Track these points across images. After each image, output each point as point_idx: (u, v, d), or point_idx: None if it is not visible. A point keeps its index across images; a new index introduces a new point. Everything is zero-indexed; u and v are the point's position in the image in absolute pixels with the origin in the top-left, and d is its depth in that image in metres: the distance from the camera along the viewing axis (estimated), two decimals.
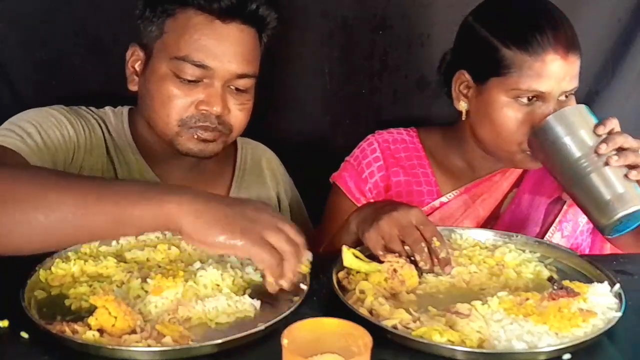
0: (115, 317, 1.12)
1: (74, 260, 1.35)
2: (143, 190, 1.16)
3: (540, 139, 1.53)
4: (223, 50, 1.55)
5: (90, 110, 1.73)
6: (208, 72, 1.55)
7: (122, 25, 1.73)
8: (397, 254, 1.37)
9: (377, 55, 2.04)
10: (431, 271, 1.37)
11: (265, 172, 1.91)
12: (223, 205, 1.17)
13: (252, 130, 1.91)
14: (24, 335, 1.14)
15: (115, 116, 1.74)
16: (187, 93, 1.56)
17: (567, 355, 1.12)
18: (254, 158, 1.90)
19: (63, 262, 1.34)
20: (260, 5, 1.59)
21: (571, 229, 1.74)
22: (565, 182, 1.50)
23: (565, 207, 1.74)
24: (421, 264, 1.36)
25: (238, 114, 1.62)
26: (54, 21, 1.88)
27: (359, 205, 1.75)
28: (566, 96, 1.59)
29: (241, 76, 1.59)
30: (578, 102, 2.05)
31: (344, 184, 1.85)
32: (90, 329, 1.11)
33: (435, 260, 1.37)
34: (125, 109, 1.76)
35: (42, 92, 1.92)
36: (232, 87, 1.60)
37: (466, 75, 1.66)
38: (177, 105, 1.57)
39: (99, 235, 1.24)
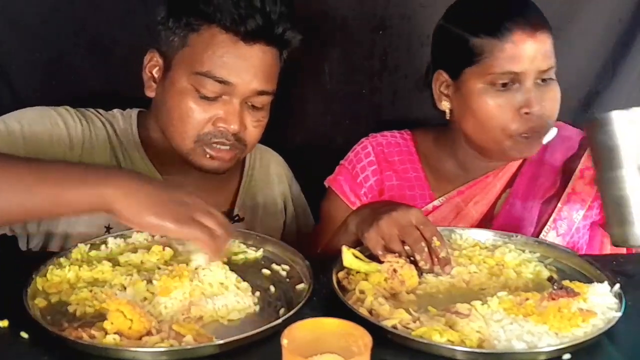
0: (131, 320, 1.12)
1: (68, 266, 1.34)
2: (82, 174, 1.23)
3: (597, 127, 1.45)
4: (246, 69, 1.55)
5: (98, 112, 1.73)
6: (228, 89, 1.55)
7: (122, 26, 1.73)
8: (397, 254, 1.37)
9: (377, 55, 2.04)
10: (431, 271, 1.38)
11: (273, 177, 1.90)
12: (156, 189, 1.22)
13: None
14: (24, 335, 1.14)
15: (124, 119, 1.74)
16: (206, 109, 1.56)
17: (567, 355, 1.12)
18: (263, 163, 1.90)
19: (57, 269, 1.33)
20: (287, 30, 1.59)
21: (566, 227, 1.74)
22: (602, 180, 1.46)
23: (559, 204, 1.74)
24: (421, 263, 1.36)
25: (253, 131, 1.62)
26: (54, 21, 1.88)
27: (354, 209, 1.75)
28: (544, 80, 1.60)
29: (260, 93, 1.59)
30: (578, 103, 2.06)
31: (339, 187, 1.85)
32: (107, 333, 1.12)
33: (435, 260, 1.37)
34: (134, 112, 1.75)
35: (41, 92, 1.92)
36: (249, 103, 1.59)
37: (444, 74, 1.69)
38: (194, 120, 1.56)
39: (39, 214, 1.33)
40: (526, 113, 1.59)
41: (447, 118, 1.72)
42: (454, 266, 1.40)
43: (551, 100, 1.62)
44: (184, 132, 1.58)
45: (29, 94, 1.92)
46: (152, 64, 1.63)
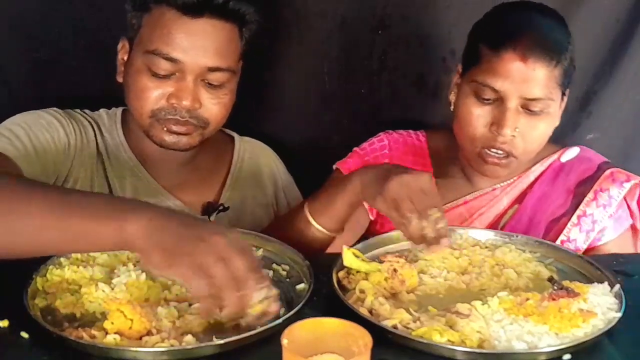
0: (132, 320, 1.13)
1: (68, 266, 1.34)
2: (106, 207, 1.15)
3: None
4: (192, 44, 1.56)
5: (84, 112, 1.76)
6: (178, 66, 1.56)
7: (121, 26, 1.72)
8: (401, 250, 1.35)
9: (376, 55, 2.04)
10: (433, 242, 1.31)
11: (263, 169, 1.91)
12: (179, 226, 1.11)
13: (251, 129, 1.91)
14: (24, 335, 1.14)
15: (109, 117, 1.77)
16: (159, 86, 1.58)
17: (567, 356, 1.13)
18: (252, 156, 1.90)
19: (57, 269, 1.33)
20: (230, 0, 1.58)
21: (574, 249, 1.70)
22: None
23: (568, 226, 1.72)
24: (427, 230, 1.31)
25: (212, 108, 1.62)
26: (53, 21, 1.88)
27: None
28: (530, 110, 1.58)
29: (213, 69, 1.59)
30: (576, 102, 2.06)
31: (347, 169, 1.82)
32: (107, 333, 1.12)
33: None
34: (119, 110, 1.78)
35: (40, 92, 1.93)
36: (206, 81, 1.60)
37: (460, 68, 1.70)
38: (149, 97, 1.58)
39: (62, 248, 1.25)
40: (496, 131, 1.58)
41: (452, 110, 1.71)
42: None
43: (532, 132, 1.60)
44: (140, 108, 1.60)
45: (27, 94, 1.93)
46: (123, 51, 1.67)
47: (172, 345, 1.10)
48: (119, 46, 1.67)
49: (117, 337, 1.11)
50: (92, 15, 1.89)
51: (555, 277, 1.40)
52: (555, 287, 1.28)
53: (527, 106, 1.57)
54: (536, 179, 1.77)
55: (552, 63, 1.55)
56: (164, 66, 1.56)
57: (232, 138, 1.91)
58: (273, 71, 2.01)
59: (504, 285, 1.37)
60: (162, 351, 1.09)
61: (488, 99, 1.59)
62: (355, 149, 1.88)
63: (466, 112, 1.62)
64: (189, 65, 1.56)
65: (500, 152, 1.61)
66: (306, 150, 2.10)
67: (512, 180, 1.76)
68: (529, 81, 1.54)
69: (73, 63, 1.92)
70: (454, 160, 1.80)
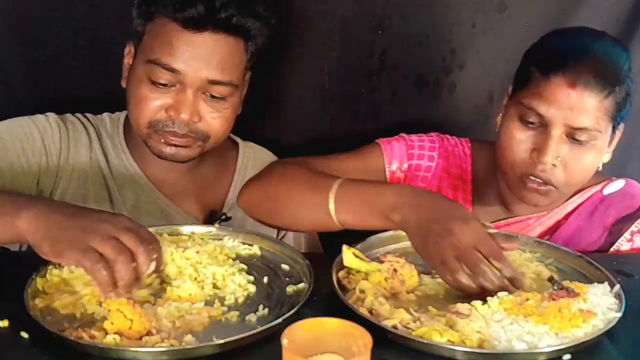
0: (132, 320, 1.13)
1: (67, 266, 1.33)
2: (2, 204, 1.26)
3: None
4: (194, 57, 1.55)
5: (85, 117, 1.75)
6: (178, 77, 1.55)
7: (121, 26, 1.73)
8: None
9: (376, 55, 2.04)
10: (501, 290, 1.26)
11: None
12: (63, 218, 1.22)
13: (251, 130, 1.91)
14: (24, 335, 1.14)
15: (112, 122, 1.76)
16: (159, 97, 1.57)
17: (567, 356, 1.13)
18: (256, 163, 1.87)
19: (56, 269, 1.32)
20: (235, 15, 1.56)
21: None
22: None
23: None
24: (487, 284, 1.25)
25: (212, 122, 1.61)
26: (52, 21, 1.88)
27: (387, 171, 1.73)
28: (575, 139, 1.50)
29: (214, 83, 1.58)
30: None
31: (387, 148, 1.76)
32: (107, 333, 1.12)
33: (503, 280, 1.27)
34: (122, 115, 1.77)
35: (39, 92, 1.93)
36: (207, 93, 1.59)
37: (510, 90, 1.63)
38: (148, 107, 1.58)
39: None
40: (536, 158, 1.52)
41: (497, 132, 1.63)
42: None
43: (575, 163, 1.53)
44: (138, 118, 1.60)
45: (26, 94, 1.93)
46: (129, 56, 1.66)
47: (172, 345, 1.11)
48: (126, 51, 1.67)
49: (117, 337, 1.11)
50: (92, 15, 1.89)
51: (556, 277, 1.40)
52: (555, 287, 1.28)
53: (572, 135, 1.50)
54: (573, 210, 1.70)
55: (603, 93, 1.47)
56: (164, 76, 1.55)
57: (237, 144, 1.89)
58: (273, 71, 2.01)
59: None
60: (162, 351, 1.10)
61: (532, 123, 1.52)
62: (403, 134, 1.79)
63: (508, 135, 1.56)
64: (190, 77, 1.55)
65: (539, 179, 1.54)
66: (306, 150, 2.09)
67: (547, 210, 1.69)
68: (575, 109, 1.47)
69: (73, 63, 1.92)
70: (493, 182, 1.71)
